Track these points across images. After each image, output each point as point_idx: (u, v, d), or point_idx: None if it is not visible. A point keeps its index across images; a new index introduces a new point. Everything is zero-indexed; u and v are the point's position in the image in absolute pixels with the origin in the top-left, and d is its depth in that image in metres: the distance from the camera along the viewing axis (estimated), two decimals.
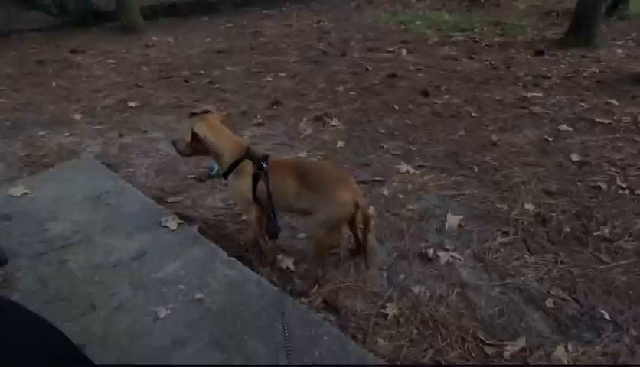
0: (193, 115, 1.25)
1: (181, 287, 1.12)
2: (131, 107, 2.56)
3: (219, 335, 0.99)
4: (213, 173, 1.79)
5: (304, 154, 2.03)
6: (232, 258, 1.23)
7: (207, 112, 1.25)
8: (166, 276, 1.16)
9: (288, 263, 1.30)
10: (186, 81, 3.04)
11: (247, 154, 1.18)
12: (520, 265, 1.33)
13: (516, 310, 1.17)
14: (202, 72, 3.25)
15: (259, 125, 2.35)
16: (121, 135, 2.20)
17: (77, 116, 2.42)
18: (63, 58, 3.55)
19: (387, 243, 1.43)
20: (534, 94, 2.73)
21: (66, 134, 2.20)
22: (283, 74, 3.21)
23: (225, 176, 1.22)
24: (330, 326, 1.03)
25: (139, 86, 2.92)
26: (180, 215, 1.50)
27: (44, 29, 4.47)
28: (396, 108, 2.58)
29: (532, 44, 3.86)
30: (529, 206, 1.60)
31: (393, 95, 2.78)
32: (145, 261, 1.23)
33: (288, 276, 1.27)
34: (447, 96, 2.76)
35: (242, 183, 1.17)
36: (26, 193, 1.56)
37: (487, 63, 3.45)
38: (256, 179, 1.15)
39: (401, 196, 1.69)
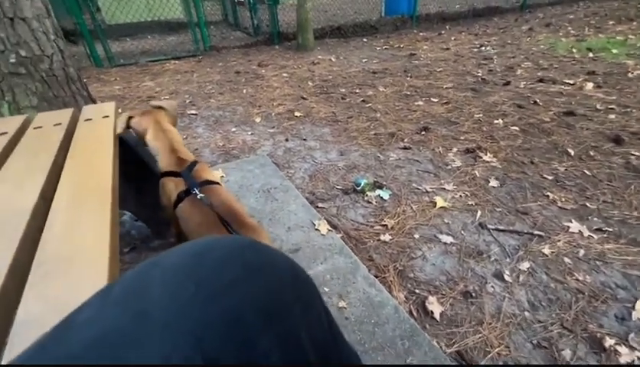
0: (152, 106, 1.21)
1: (326, 289, 1.26)
2: (296, 116, 2.99)
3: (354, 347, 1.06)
4: (359, 188, 1.92)
5: (450, 187, 1.95)
6: (372, 276, 1.30)
7: (160, 107, 1.19)
8: (314, 275, 1.32)
9: (434, 307, 1.24)
10: (342, 98, 3.35)
11: (183, 171, 1.03)
12: None
13: None
14: (357, 90, 3.52)
15: (405, 148, 2.39)
16: (286, 140, 2.61)
17: (257, 119, 2.99)
18: (252, 70, 4.45)
19: (543, 311, 1.24)
20: None
21: (249, 132, 2.76)
22: (435, 99, 3.16)
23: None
24: None
25: (304, 99, 3.38)
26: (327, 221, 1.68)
27: (242, 46, 5.71)
28: (572, 153, 2.19)
29: None
30: None
31: (569, 137, 2.37)
32: (298, 256, 1.42)
33: (427, 316, 1.25)
34: None
35: (164, 195, 1.07)
36: (222, 176, 2.03)
37: None
38: (179, 200, 0.99)
39: (568, 260, 1.43)
